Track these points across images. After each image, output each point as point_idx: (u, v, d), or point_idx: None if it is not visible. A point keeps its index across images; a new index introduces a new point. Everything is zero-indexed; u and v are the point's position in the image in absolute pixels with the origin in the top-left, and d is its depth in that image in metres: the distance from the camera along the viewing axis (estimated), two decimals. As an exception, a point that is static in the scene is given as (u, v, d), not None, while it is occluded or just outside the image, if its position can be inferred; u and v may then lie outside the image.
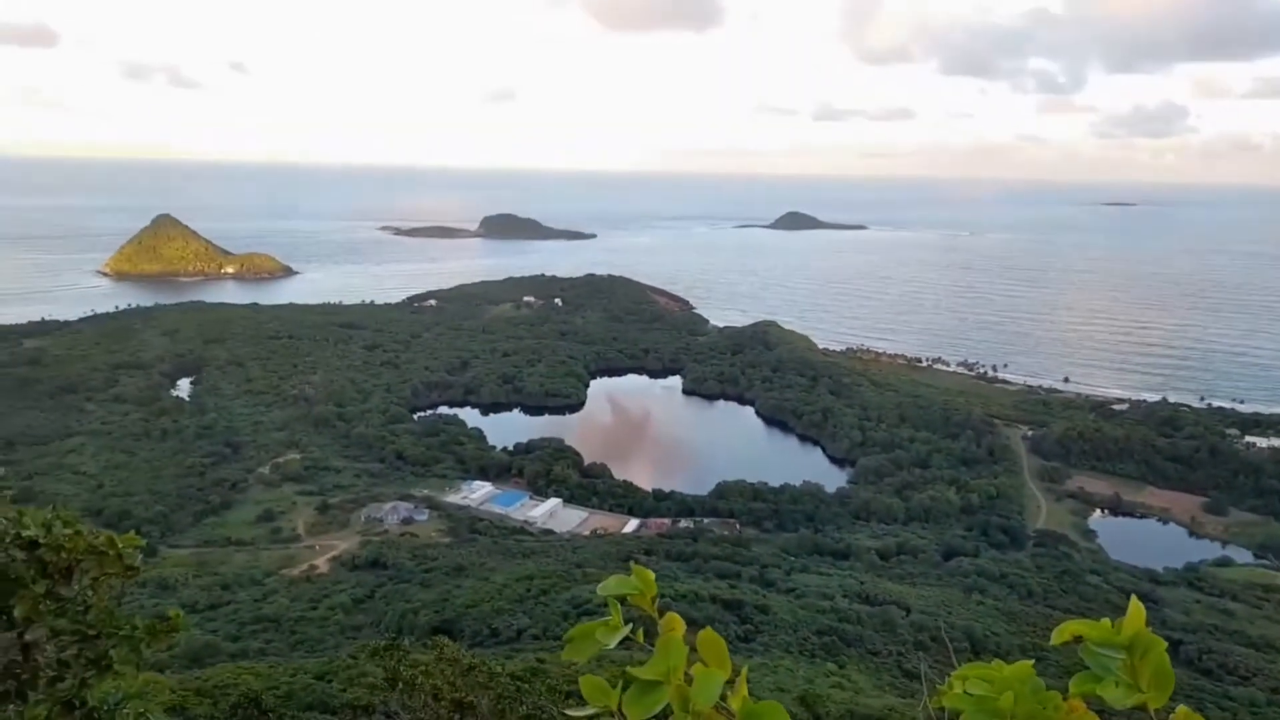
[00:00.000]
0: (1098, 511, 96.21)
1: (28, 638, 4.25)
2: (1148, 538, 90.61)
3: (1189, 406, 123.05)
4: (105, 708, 4.41)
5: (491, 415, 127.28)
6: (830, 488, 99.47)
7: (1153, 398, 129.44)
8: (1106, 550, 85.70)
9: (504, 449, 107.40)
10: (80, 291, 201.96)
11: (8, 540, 4.16)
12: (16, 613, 3.99)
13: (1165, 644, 1.44)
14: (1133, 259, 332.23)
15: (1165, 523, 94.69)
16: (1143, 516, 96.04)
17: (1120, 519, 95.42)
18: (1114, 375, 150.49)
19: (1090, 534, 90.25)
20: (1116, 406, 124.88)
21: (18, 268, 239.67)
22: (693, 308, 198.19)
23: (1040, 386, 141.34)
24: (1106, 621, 1.46)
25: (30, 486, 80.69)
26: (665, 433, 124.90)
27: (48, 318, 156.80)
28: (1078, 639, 1.50)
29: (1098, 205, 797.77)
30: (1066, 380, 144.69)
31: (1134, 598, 1.49)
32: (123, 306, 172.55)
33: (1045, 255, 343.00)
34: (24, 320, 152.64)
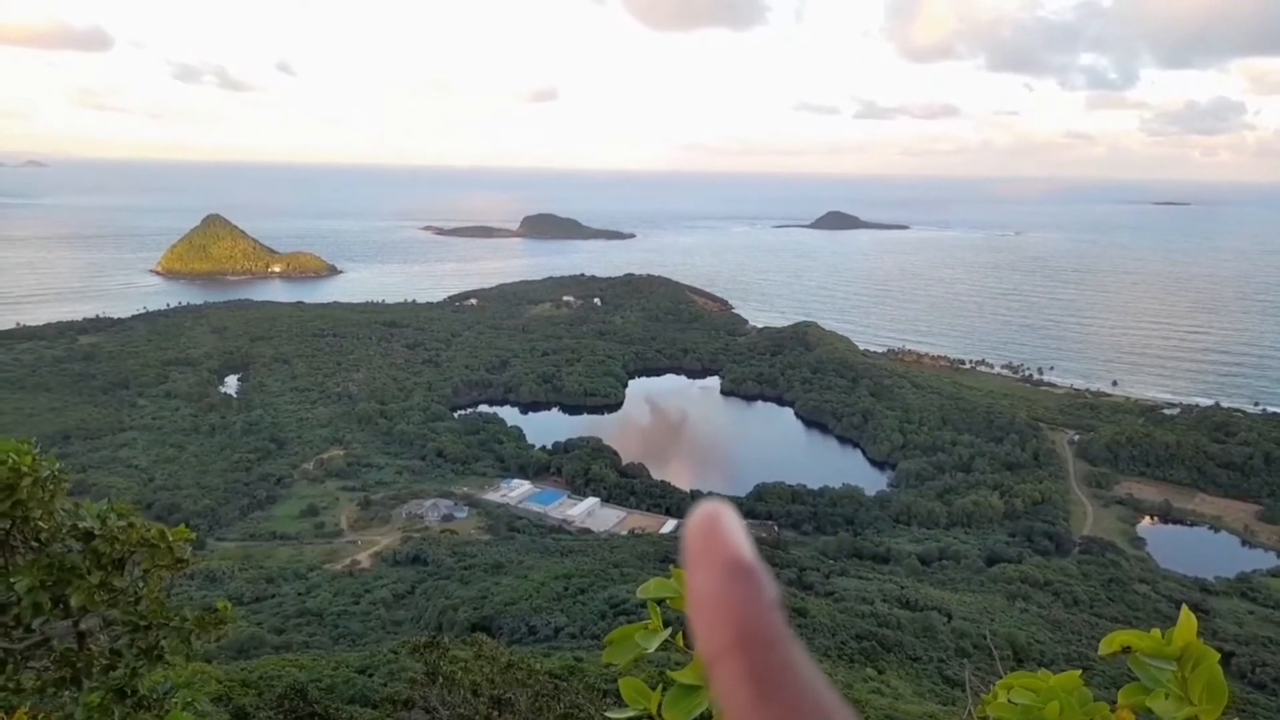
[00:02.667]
0: (1146, 518, 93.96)
1: (82, 626, 4.37)
2: (1199, 546, 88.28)
3: (1243, 411, 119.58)
4: (155, 696, 4.52)
5: (530, 414, 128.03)
6: (870, 491, 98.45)
7: (1205, 402, 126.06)
8: (1155, 558, 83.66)
9: (543, 448, 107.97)
10: (133, 290, 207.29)
11: (65, 531, 4.28)
12: (73, 602, 4.11)
13: (1218, 655, 1.37)
14: (1184, 259, 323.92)
15: (1217, 531, 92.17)
16: (1193, 524, 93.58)
17: (1170, 526, 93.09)
18: (1164, 379, 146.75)
19: (1139, 541, 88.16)
20: (1167, 411, 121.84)
21: (74, 266, 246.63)
22: (731, 308, 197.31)
23: (1087, 390, 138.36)
24: (1157, 632, 1.40)
25: (84, 479, 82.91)
26: (703, 433, 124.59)
27: (102, 315, 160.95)
28: (1126, 649, 1.44)
29: (1149, 204, 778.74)
30: (1115, 384, 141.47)
31: (1185, 608, 1.44)
32: (174, 304, 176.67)
33: (1093, 256, 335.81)
34: (79, 317, 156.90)
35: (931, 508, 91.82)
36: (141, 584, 4.45)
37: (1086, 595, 69.18)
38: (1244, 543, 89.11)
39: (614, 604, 53.54)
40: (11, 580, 3.94)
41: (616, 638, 1.60)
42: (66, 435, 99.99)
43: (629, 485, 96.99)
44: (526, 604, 56.13)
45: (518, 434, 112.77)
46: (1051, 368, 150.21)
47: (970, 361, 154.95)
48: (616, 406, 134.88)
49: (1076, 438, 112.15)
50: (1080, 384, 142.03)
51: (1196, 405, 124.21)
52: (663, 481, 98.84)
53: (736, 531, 0.45)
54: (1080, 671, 1.60)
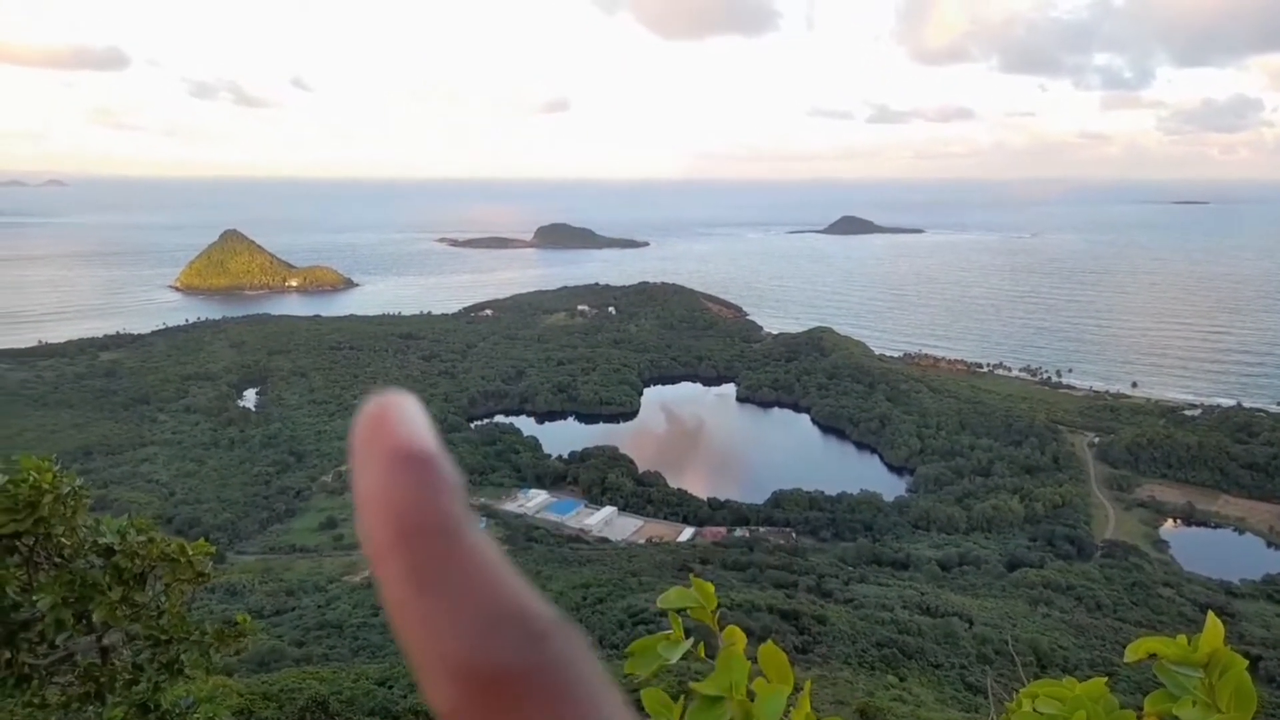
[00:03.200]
0: (1169, 521, 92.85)
1: (105, 641, 4.42)
2: (1223, 548, 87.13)
3: (1265, 412, 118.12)
4: (178, 710, 4.56)
5: (546, 423, 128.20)
6: (888, 496, 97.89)
7: (1227, 403, 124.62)
8: (1179, 561, 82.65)
9: (559, 457, 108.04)
10: (153, 306, 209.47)
11: (87, 547, 4.33)
12: (95, 617, 4.15)
13: (1245, 662, 1.34)
14: (1204, 259, 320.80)
15: (1241, 533, 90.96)
16: (1217, 526, 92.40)
17: (1193, 529, 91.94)
18: (1185, 380, 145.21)
19: (1162, 544, 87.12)
20: (1188, 412, 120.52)
21: (94, 284, 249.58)
22: (746, 314, 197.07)
23: (1107, 392, 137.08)
24: (1183, 638, 1.36)
25: (106, 494, 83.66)
26: (719, 440, 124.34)
27: (122, 331, 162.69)
28: (1152, 656, 1.40)
29: (1166, 204, 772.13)
30: (1135, 385, 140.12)
31: (1211, 614, 1.42)
32: (193, 320, 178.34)
33: (1111, 257, 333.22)
34: (100, 334, 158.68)
35: (951, 513, 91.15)
36: (163, 599, 4.49)
37: (1109, 599, 68.40)
38: (1269, 544, 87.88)
39: (632, 614, 53.42)
40: (35, 597, 3.99)
41: (638, 649, 1.58)
42: (88, 451, 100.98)
43: (646, 494, 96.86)
44: (545, 614, 56.02)
45: (534, 444, 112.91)
46: (1070, 370, 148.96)
47: (988, 365, 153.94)
48: (632, 415, 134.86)
49: (1097, 440, 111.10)
50: (1100, 386, 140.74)
51: (1218, 406, 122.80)
52: (680, 489, 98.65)
53: (407, 419, 0.42)
54: (1106, 678, 1.57)
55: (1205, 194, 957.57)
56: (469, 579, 0.38)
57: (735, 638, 1.52)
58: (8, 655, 3.97)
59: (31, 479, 3.96)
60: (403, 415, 0.43)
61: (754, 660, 1.47)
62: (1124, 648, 1.44)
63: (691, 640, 1.55)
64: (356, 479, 0.41)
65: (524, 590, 0.39)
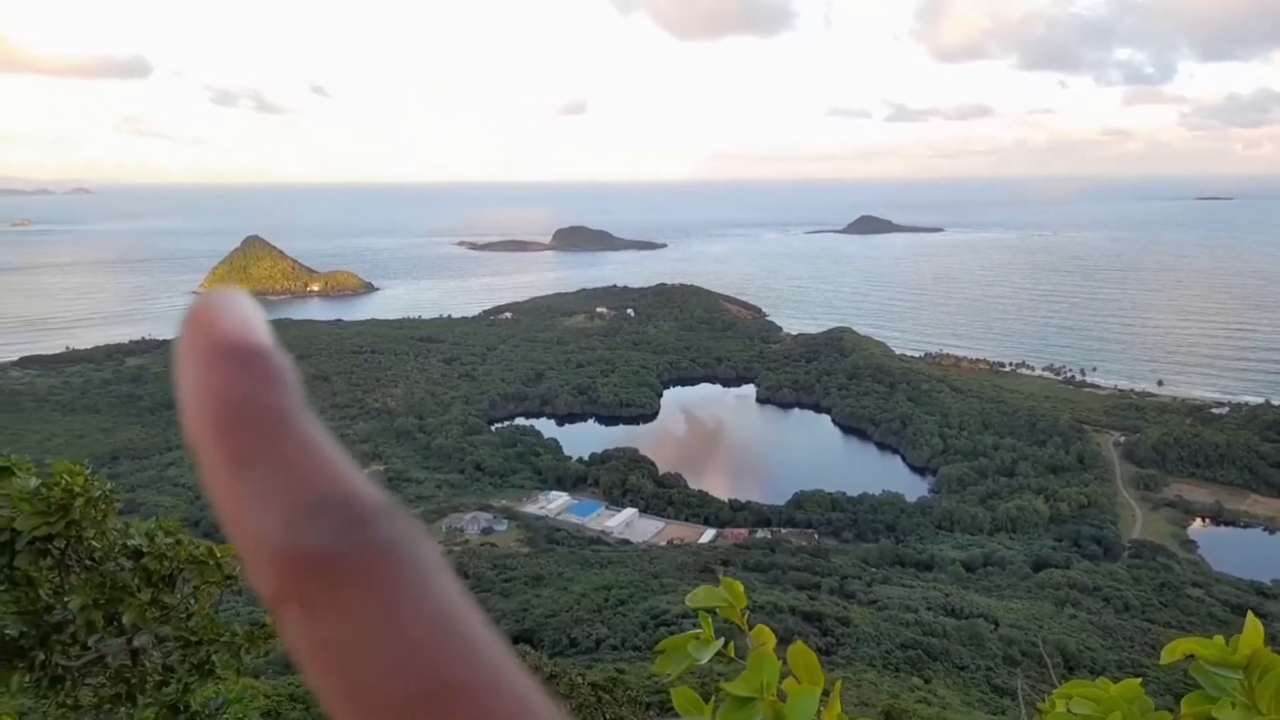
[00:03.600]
0: (1198, 521, 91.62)
1: (135, 643, 4.45)
2: (1253, 548, 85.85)
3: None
4: (207, 711, 4.59)
5: (566, 426, 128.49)
6: (911, 497, 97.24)
7: (1255, 400, 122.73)
8: (1208, 561, 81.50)
9: (579, 459, 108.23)
10: (178, 311, 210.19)
11: (116, 550, 4.37)
12: (125, 619, 4.19)
13: None
14: (1229, 255, 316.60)
15: (1272, 532, 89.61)
16: (1247, 526, 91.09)
17: (1222, 528, 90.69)
18: (1212, 378, 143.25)
19: (1190, 544, 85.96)
20: (1215, 410, 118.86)
21: (120, 290, 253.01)
22: (765, 315, 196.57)
23: (1132, 390, 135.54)
24: (1221, 639, 1.34)
25: (133, 498, 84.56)
26: (740, 442, 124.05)
27: (148, 337, 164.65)
28: (1188, 657, 1.38)
29: (1190, 200, 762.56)
30: (1160, 384, 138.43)
31: (1250, 614, 1.38)
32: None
33: (1134, 254, 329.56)
34: (127, 340, 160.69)
35: (974, 513, 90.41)
36: (192, 600, 4.52)
37: (1138, 600, 67.57)
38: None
39: (655, 615, 53.40)
40: (66, 599, 4.03)
41: (668, 647, 1.57)
42: (115, 455, 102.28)
43: (667, 495, 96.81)
44: (567, 616, 56.21)
45: (555, 446, 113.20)
46: (1094, 369, 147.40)
47: (1010, 364, 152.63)
48: (652, 416, 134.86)
49: (1122, 439, 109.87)
50: (1125, 385, 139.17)
51: (1246, 404, 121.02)
52: (700, 491, 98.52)
53: (236, 314, 0.40)
54: (1139, 679, 1.55)
55: (1229, 190, 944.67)
56: (290, 464, 0.37)
57: (765, 637, 1.52)
58: (41, 657, 4.01)
59: (64, 483, 3.99)
60: (232, 311, 0.41)
61: (781, 661, 1.45)
62: (1153, 649, 1.44)
63: (722, 641, 1.54)
64: (179, 373, 0.39)
65: (351, 475, 0.39)
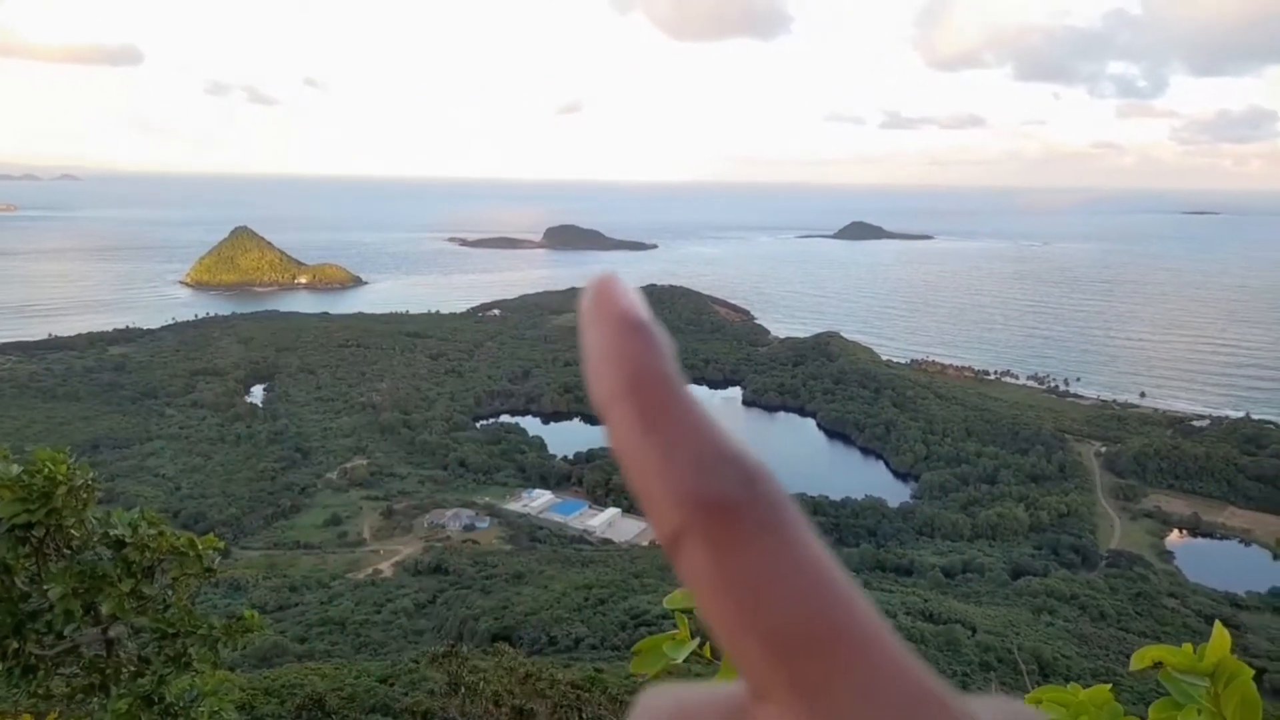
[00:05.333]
0: (1175, 532, 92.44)
1: (111, 634, 4.45)
2: (1229, 560, 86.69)
3: (1274, 424, 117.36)
4: (181, 703, 4.59)
5: (552, 424, 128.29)
6: (893, 502, 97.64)
7: (1235, 414, 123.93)
8: (1185, 572, 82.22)
9: (564, 458, 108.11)
10: (163, 301, 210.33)
11: (95, 539, 4.37)
12: (103, 609, 4.19)
13: (1251, 671, 1.34)
14: (1215, 270, 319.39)
15: (1248, 544, 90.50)
16: (1223, 538, 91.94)
17: (1200, 540, 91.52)
18: (1193, 391, 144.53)
19: (1167, 555, 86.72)
20: (1196, 423, 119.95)
21: (105, 278, 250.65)
22: (753, 318, 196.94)
23: (1115, 401, 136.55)
24: (1189, 647, 1.36)
25: (113, 487, 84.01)
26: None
27: (132, 326, 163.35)
28: (1157, 664, 1.40)
29: (1178, 214, 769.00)
30: (1143, 395, 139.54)
31: (1218, 623, 1.41)
32: (202, 315, 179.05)
33: (1121, 266, 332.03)
34: (110, 328, 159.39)
35: (955, 520, 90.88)
36: (170, 592, 4.52)
37: (1114, 609, 68.08)
38: (1276, 556, 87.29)
39: (634, 615, 53.39)
40: (45, 587, 4.03)
41: (645, 647, 1.59)
42: (95, 444, 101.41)
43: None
44: (547, 614, 56.12)
45: (539, 444, 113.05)
46: (1078, 379, 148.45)
47: (995, 372, 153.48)
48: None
49: (1103, 450, 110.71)
50: (1107, 395, 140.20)
51: (1226, 417, 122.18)
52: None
53: (628, 293, 0.46)
54: (1110, 686, 1.56)
55: (1217, 205, 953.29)
56: (690, 423, 0.43)
57: None
58: (15, 645, 4.01)
59: (46, 470, 4.00)
60: (623, 288, 0.47)
61: None
62: (1127, 658, 1.39)
63: (697, 640, 1.56)
64: (587, 338, 0.45)
65: (735, 438, 0.44)
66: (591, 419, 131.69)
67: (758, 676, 0.40)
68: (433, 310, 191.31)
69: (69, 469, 4.09)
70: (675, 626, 1.60)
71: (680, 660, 1.54)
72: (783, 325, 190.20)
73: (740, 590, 0.40)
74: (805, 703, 0.39)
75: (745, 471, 0.43)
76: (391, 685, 27.44)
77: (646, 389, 0.43)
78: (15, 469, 3.95)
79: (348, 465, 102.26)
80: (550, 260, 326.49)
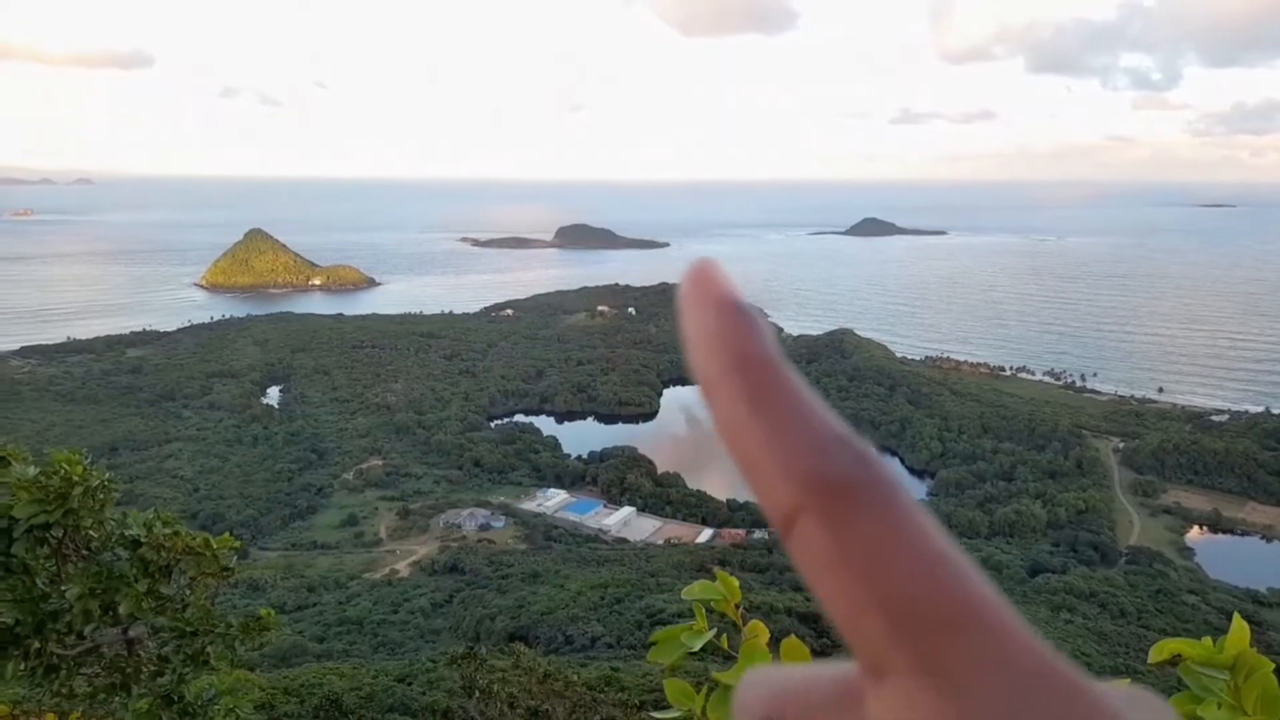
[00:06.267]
0: (1195, 528, 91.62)
1: (131, 633, 4.47)
2: (1250, 556, 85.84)
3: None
4: (200, 702, 4.60)
5: (566, 423, 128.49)
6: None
7: (1255, 409, 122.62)
8: (1205, 569, 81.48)
9: (578, 457, 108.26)
10: (179, 303, 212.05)
11: (114, 540, 4.38)
12: (121, 609, 4.20)
13: (1272, 664, 1.32)
14: (1233, 263, 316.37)
15: (1269, 541, 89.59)
16: (1244, 534, 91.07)
17: (1220, 536, 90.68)
18: (1212, 385, 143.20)
19: (1187, 552, 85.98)
20: (1215, 418, 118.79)
21: (121, 281, 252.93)
22: (766, 316, 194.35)
23: (1132, 397, 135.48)
24: (1208, 640, 1.35)
25: (132, 489, 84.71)
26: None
27: (149, 328, 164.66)
28: (1176, 658, 1.39)
29: (1194, 207, 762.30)
30: (1161, 390, 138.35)
31: (1237, 615, 1.39)
32: (217, 317, 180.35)
33: (1137, 260, 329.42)
34: (127, 331, 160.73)
35: (972, 517, 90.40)
36: (188, 592, 4.53)
37: (1134, 606, 67.54)
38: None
39: (650, 613, 53.37)
40: (63, 588, 4.04)
41: (662, 637, 1.61)
42: (114, 446, 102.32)
43: (665, 494, 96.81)
44: (563, 613, 56.21)
45: (553, 443, 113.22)
46: (1095, 374, 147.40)
47: (1011, 369, 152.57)
48: (651, 416, 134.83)
49: (1121, 445, 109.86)
50: (1125, 391, 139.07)
51: (1246, 412, 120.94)
52: (699, 491, 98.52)
53: (728, 277, 0.48)
54: (1128, 680, 1.58)
55: (1233, 197, 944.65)
56: (799, 403, 0.43)
57: (758, 631, 1.54)
58: (36, 645, 4.03)
59: (63, 471, 4.01)
60: (723, 272, 0.49)
61: (774, 656, 1.48)
62: (1147, 655, 1.44)
63: (714, 631, 1.57)
64: (688, 320, 0.47)
65: (841, 421, 0.44)
66: (606, 418, 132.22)
67: (878, 652, 0.40)
68: (446, 310, 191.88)
69: (85, 470, 4.10)
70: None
71: (697, 649, 1.55)
72: (796, 322, 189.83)
73: (862, 566, 0.40)
74: (930, 677, 0.40)
75: (858, 452, 0.42)
76: (409, 685, 27.55)
77: (754, 369, 0.44)
78: (33, 470, 3.96)
79: (363, 466, 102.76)
80: (562, 259, 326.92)
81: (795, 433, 0.42)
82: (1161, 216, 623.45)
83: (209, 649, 4.44)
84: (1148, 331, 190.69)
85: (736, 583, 1.63)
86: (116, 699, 4.40)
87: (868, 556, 0.40)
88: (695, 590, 1.58)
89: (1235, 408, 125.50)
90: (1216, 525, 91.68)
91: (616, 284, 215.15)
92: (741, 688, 0.47)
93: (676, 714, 1.52)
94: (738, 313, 0.46)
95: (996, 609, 0.41)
